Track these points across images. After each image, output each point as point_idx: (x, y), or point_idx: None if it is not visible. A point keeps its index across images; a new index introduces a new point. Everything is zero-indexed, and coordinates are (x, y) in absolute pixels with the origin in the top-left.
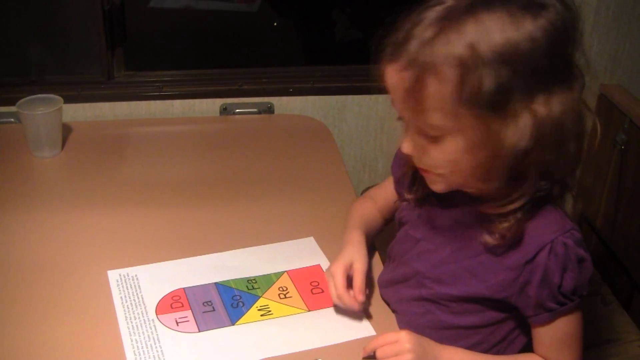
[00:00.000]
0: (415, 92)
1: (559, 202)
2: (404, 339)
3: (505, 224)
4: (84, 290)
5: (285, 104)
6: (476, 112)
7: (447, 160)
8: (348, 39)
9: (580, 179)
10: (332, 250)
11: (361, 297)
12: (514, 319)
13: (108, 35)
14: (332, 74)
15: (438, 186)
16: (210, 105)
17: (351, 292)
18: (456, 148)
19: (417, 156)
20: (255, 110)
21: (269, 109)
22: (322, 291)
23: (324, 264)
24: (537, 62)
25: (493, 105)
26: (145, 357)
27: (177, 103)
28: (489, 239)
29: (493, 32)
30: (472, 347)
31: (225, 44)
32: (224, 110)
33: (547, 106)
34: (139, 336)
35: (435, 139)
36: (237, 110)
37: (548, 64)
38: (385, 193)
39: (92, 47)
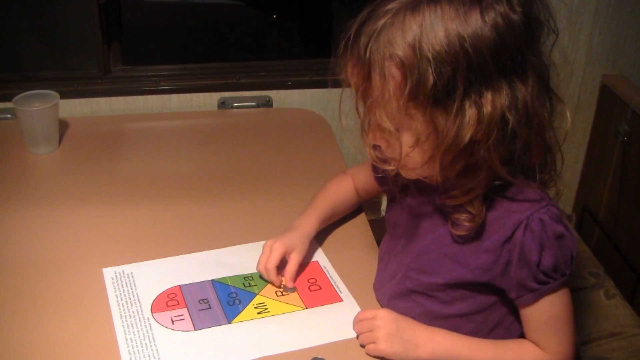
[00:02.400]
0: (364, 89)
1: (545, 182)
2: (379, 316)
3: (464, 215)
4: (79, 288)
5: (283, 98)
6: (421, 108)
7: (403, 153)
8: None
9: (582, 170)
10: (329, 246)
11: (290, 284)
12: (504, 304)
13: (104, 30)
14: (331, 66)
15: (404, 174)
16: (208, 99)
17: (281, 273)
18: (407, 142)
19: (383, 147)
20: (253, 103)
21: (267, 103)
22: (320, 288)
23: (322, 260)
24: (481, 60)
25: (437, 101)
26: (140, 356)
27: (175, 97)
28: (453, 229)
29: (436, 29)
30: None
31: (222, 37)
32: (222, 104)
33: (494, 101)
34: (134, 335)
35: (389, 133)
36: (235, 104)
37: (495, 61)
38: (366, 172)
39: (88, 42)
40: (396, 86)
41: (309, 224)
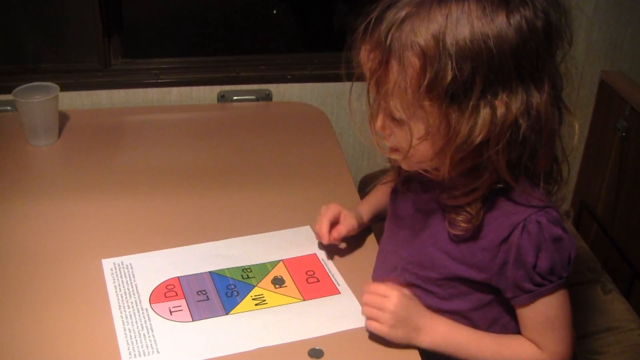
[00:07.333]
0: (380, 74)
1: (547, 183)
2: (393, 300)
3: (461, 216)
4: (78, 279)
5: (283, 91)
6: (436, 102)
7: (408, 144)
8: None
9: (580, 166)
10: None
11: (334, 237)
12: (501, 302)
13: (104, 23)
14: (331, 60)
15: (404, 165)
16: (207, 93)
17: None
18: (416, 133)
19: (386, 135)
20: (253, 97)
21: (267, 96)
22: (318, 280)
23: (320, 253)
24: (503, 61)
25: (453, 97)
26: (138, 346)
27: (175, 90)
28: (450, 228)
29: (461, 25)
30: None
31: (223, 30)
32: (222, 97)
33: (509, 105)
34: (133, 325)
35: (399, 122)
36: (235, 98)
37: (515, 64)
38: None
39: (89, 34)
40: (414, 76)
41: (362, 207)
